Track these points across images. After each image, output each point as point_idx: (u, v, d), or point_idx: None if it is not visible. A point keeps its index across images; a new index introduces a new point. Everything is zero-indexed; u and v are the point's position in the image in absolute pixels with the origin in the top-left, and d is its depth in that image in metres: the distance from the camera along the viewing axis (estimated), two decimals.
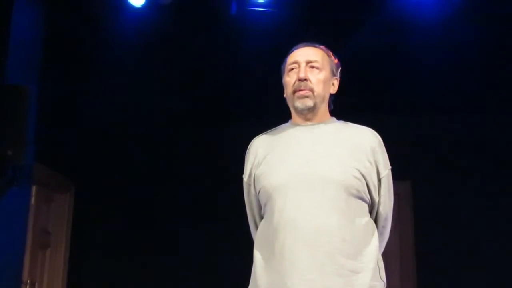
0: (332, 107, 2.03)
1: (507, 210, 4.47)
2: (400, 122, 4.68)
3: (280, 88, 2.03)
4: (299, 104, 1.91)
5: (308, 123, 1.95)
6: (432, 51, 4.08)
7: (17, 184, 3.43)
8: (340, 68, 2.04)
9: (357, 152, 1.86)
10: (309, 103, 1.91)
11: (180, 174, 4.94)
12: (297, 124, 1.96)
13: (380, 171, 1.89)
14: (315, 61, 1.94)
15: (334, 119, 2.02)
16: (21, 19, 3.61)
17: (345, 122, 2.02)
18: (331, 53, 2.03)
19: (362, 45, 3.93)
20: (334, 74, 1.99)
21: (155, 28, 4.06)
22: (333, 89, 2.00)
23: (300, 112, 1.93)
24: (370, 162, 1.86)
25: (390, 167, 1.93)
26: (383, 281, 1.84)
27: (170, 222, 4.83)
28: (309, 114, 1.94)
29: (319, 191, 1.79)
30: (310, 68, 1.93)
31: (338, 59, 2.05)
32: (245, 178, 2.01)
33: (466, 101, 4.47)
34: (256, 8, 3.73)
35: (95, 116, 4.86)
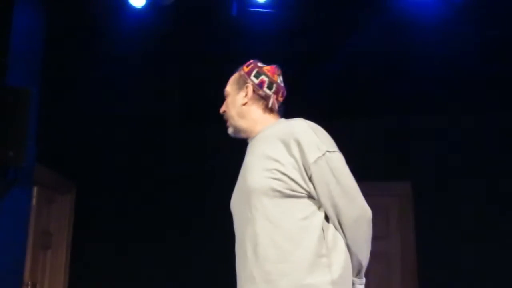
0: (274, 109, 2.01)
1: (508, 209, 4.48)
2: (400, 122, 4.69)
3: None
4: (228, 132, 2.08)
5: (249, 139, 2.03)
6: (433, 51, 4.08)
7: (18, 185, 3.44)
8: (256, 69, 2.03)
9: (276, 152, 1.81)
10: (230, 130, 2.07)
11: (183, 175, 4.94)
12: (248, 142, 2.05)
13: (308, 159, 1.77)
14: (225, 91, 2.11)
15: (276, 122, 1.99)
16: (21, 21, 3.63)
17: (285, 120, 1.97)
18: (245, 65, 2.07)
19: (362, 45, 3.93)
20: (244, 84, 2.03)
21: (155, 29, 4.07)
22: (248, 96, 2.01)
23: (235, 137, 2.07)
24: (292, 155, 1.79)
25: (325, 150, 1.80)
26: (334, 276, 1.73)
27: (172, 224, 4.83)
28: (241, 135, 2.05)
29: (245, 204, 1.83)
30: (226, 98, 2.10)
31: (254, 64, 2.06)
32: None
33: (467, 100, 4.48)
34: (257, 9, 3.74)
35: (96, 117, 4.87)
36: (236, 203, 1.93)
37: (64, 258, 4.77)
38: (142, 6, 3.78)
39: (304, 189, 1.78)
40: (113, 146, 4.99)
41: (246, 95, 2.01)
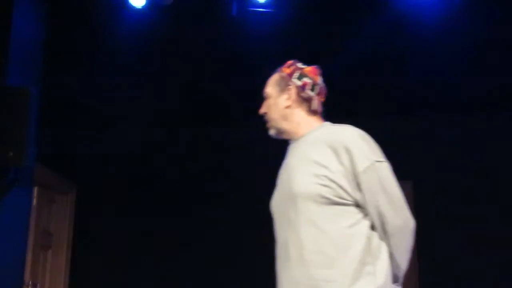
0: (317, 111, 2.01)
1: (507, 209, 4.48)
2: (401, 121, 4.69)
3: None
4: (269, 134, 2.06)
5: (292, 140, 2.02)
6: (433, 50, 4.08)
7: (18, 185, 3.44)
8: (299, 72, 2.02)
9: (325, 158, 1.82)
10: (272, 131, 2.05)
11: (181, 174, 4.95)
12: (290, 143, 2.05)
13: (357, 168, 1.80)
14: (265, 93, 2.07)
15: (321, 125, 2.00)
16: (22, 21, 3.62)
17: (332, 125, 1.99)
18: (286, 65, 2.06)
19: (362, 45, 3.93)
20: (286, 86, 2.01)
21: (155, 29, 4.07)
22: (290, 99, 2.00)
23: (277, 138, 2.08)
24: (341, 163, 1.80)
25: (374, 159, 1.82)
26: (378, 283, 1.76)
27: (172, 223, 4.83)
28: (283, 136, 2.04)
29: (290, 207, 1.85)
30: (266, 99, 2.07)
31: (296, 67, 2.04)
32: None
33: (467, 100, 4.48)
34: (257, 9, 3.73)
35: (97, 118, 4.88)
36: (278, 205, 1.94)
37: (64, 258, 4.79)
38: (142, 6, 3.77)
39: (352, 197, 1.80)
40: (114, 146, 5.01)
41: (289, 98, 2.00)
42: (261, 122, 2.12)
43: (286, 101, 1.99)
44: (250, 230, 4.34)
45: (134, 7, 3.80)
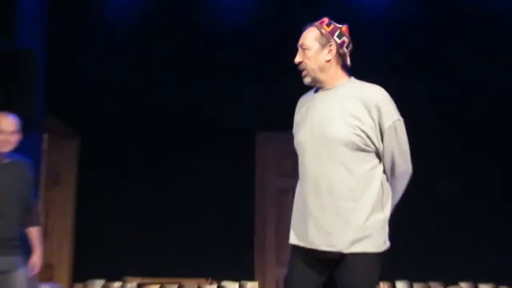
0: (348, 66, 2.28)
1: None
2: None
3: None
4: (304, 81, 2.30)
5: (323, 88, 2.28)
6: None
7: (32, 133, 3.77)
8: (338, 30, 2.24)
9: (359, 110, 2.15)
10: (308, 79, 2.28)
11: (180, 119, 5.05)
12: (319, 90, 2.32)
13: (383, 123, 2.16)
14: (303, 44, 2.27)
15: (350, 80, 2.28)
16: None
17: (359, 81, 2.27)
18: (324, 23, 2.26)
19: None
20: (327, 42, 2.23)
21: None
22: (331, 54, 2.23)
23: (310, 85, 2.32)
24: (371, 117, 2.15)
25: (396, 118, 2.17)
26: (386, 214, 2.19)
27: (169, 165, 5.03)
28: (316, 84, 2.29)
29: (324, 147, 2.17)
30: (303, 50, 2.26)
31: (335, 25, 2.26)
32: (293, 130, 2.40)
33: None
34: None
35: (97, 72, 5.06)
36: (310, 144, 2.21)
37: (71, 192, 5.14)
38: None
39: (375, 146, 2.17)
40: (113, 98, 5.13)
41: (330, 53, 2.24)
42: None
43: (327, 55, 2.23)
44: None
45: None
